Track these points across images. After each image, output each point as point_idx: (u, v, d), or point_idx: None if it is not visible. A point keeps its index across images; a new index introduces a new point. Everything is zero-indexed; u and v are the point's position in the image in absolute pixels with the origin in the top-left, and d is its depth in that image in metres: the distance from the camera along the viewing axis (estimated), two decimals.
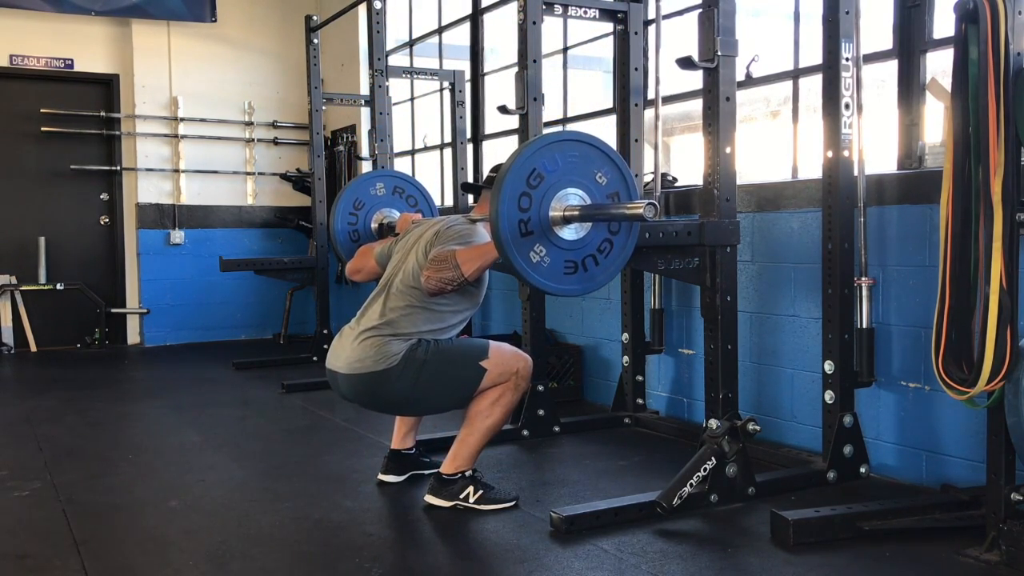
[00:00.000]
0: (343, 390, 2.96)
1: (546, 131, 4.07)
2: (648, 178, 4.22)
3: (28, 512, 3.02)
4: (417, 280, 2.88)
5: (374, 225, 4.00)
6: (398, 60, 6.93)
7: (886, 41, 3.35)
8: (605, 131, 4.66)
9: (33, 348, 6.99)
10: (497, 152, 5.97)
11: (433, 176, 6.62)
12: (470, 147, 6.03)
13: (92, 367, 6.34)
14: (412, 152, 7.04)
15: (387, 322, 2.88)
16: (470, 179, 5.95)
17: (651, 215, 2.48)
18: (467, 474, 2.94)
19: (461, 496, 2.92)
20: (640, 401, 4.23)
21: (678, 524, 2.77)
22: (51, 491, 3.22)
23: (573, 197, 2.60)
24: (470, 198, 4.73)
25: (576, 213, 2.59)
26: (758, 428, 2.97)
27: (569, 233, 2.61)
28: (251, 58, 7.58)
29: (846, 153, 3.07)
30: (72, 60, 7.07)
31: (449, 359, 2.89)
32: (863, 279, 3.16)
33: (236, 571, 2.46)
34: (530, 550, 2.58)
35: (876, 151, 3.35)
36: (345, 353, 2.92)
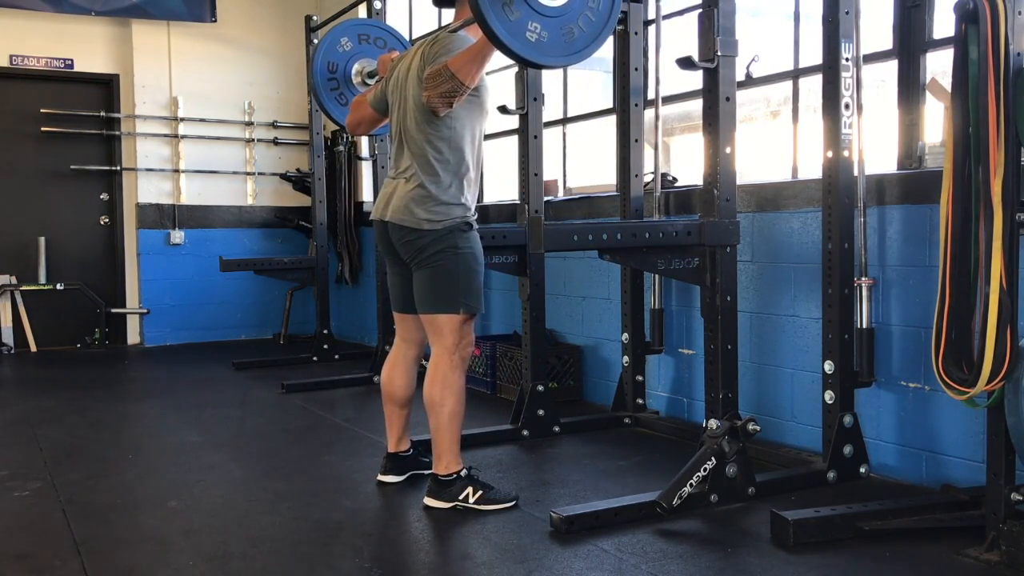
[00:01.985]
0: (389, 237, 2.97)
1: (546, 132, 4.08)
2: (648, 178, 4.22)
3: (28, 512, 3.02)
4: (423, 110, 2.87)
5: (356, 80, 3.93)
6: None
7: (886, 41, 3.35)
8: (605, 131, 4.66)
9: (33, 348, 6.99)
10: (497, 151, 5.97)
11: None
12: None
13: (92, 367, 6.34)
14: None
15: (419, 166, 2.90)
16: None
17: None
18: (464, 474, 2.94)
19: (461, 497, 2.92)
20: (640, 401, 4.23)
21: (678, 524, 2.77)
22: (51, 491, 3.22)
23: None
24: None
25: None
26: (758, 428, 2.97)
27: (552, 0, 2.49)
28: (251, 58, 7.58)
29: (846, 153, 3.07)
30: (72, 60, 7.07)
31: (465, 274, 2.91)
32: (863, 279, 3.16)
33: (236, 571, 2.46)
34: (530, 550, 2.58)
35: (876, 151, 3.35)
36: (394, 202, 2.95)
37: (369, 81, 3.92)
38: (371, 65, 3.90)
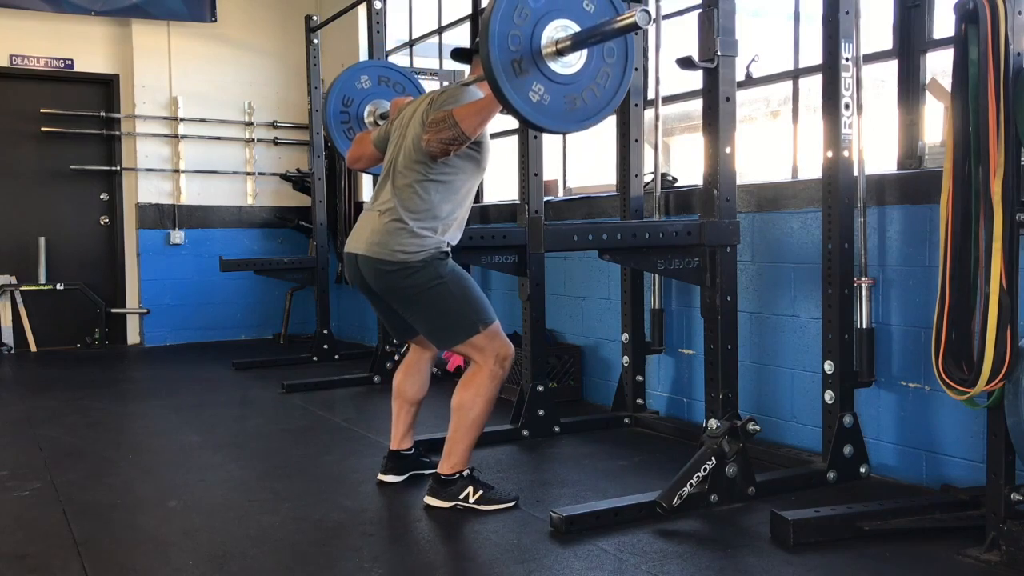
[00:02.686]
0: (361, 272, 2.94)
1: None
2: (648, 178, 4.22)
3: (28, 512, 3.02)
4: (419, 152, 2.87)
5: (368, 119, 3.97)
6: (398, 60, 6.93)
7: (886, 41, 3.35)
8: (605, 131, 4.65)
9: (33, 348, 6.99)
10: (497, 151, 5.96)
11: None
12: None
13: (92, 367, 6.34)
14: None
15: (399, 201, 2.87)
16: None
17: (644, 22, 2.40)
18: (465, 474, 2.94)
19: (461, 496, 2.92)
20: (640, 401, 4.23)
21: (678, 524, 2.77)
22: (51, 491, 3.22)
23: (564, 28, 2.53)
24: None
25: (568, 42, 2.52)
26: (758, 428, 2.97)
27: (564, 67, 2.54)
28: (251, 58, 7.58)
29: (846, 153, 3.07)
30: (72, 60, 7.07)
31: (461, 295, 2.87)
32: (863, 279, 3.16)
33: (236, 571, 2.46)
34: (530, 550, 2.58)
35: (876, 151, 3.35)
36: (366, 235, 2.92)
37: (380, 122, 3.96)
38: (384, 107, 3.94)
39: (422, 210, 2.86)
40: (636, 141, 4.14)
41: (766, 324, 3.71)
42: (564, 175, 5.29)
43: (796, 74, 3.79)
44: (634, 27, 2.45)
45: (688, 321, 4.14)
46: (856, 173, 3.13)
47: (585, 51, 2.59)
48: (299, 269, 6.39)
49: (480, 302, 2.92)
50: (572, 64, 2.57)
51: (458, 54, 3.23)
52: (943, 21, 3.21)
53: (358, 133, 3.81)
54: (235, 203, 7.57)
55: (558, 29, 2.53)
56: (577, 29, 2.56)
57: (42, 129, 6.99)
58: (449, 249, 2.93)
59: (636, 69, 4.12)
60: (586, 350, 4.73)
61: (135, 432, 4.44)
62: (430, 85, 6.48)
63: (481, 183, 3.34)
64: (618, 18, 2.52)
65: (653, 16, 2.41)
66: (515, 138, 4.16)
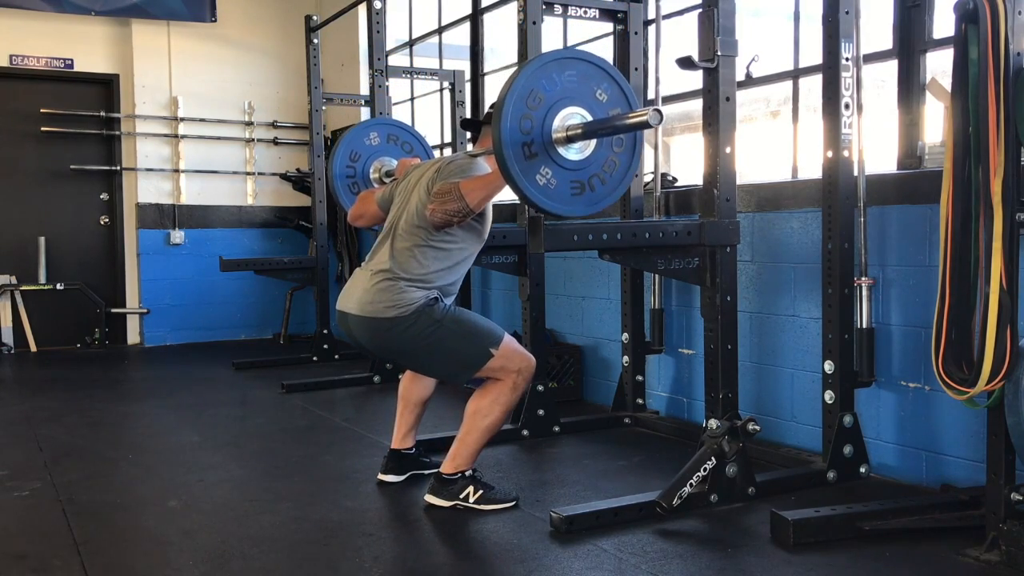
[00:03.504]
0: (353, 332, 2.95)
1: None
2: (648, 178, 4.22)
3: (28, 512, 3.02)
4: (422, 218, 2.87)
5: (374, 175, 4.00)
6: (398, 60, 6.93)
7: (886, 41, 3.35)
8: None
9: (33, 348, 6.99)
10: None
11: None
12: (470, 147, 6.01)
13: (92, 367, 6.33)
14: None
15: (396, 263, 2.88)
16: None
17: (656, 121, 2.43)
18: (467, 474, 2.94)
19: (461, 496, 2.92)
20: (640, 401, 4.23)
21: (678, 524, 2.77)
22: (51, 491, 3.22)
23: (575, 116, 2.57)
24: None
25: (579, 131, 2.55)
26: (758, 428, 2.97)
27: (573, 153, 2.58)
28: (251, 58, 7.58)
29: (846, 153, 3.07)
30: (72, 60, 7.06)
31: (462, 331, 2.87)
32: (863, 279, 3.16)
33: (236, 571, 2.46)
34: (530, 550, 2.58)
35: (876, 151, 3.34)
36: (357, 295, 2.92)
37: (386, 179, 3.98)
38: (390, 164, 3.97)
39: (417, 274, 2.87)
40: None
41: (766, 324, 3.71)
42: None
43: (796, 74, 3.78)
44: (645, 125, 2.48)
45: (688, 321, 4.14)
46: (856, 173, 3.13)
47: (594, 139, 2.63)
48: (299, 269, 6.39)
49: (483, 329, 2.92)
50: (581, 150, 2.61)
51: (467, 124, 3.32)
52: (943, 21, 3.21)
53: (362, 190, 3.85)
54: (235, 203, 7.56)
55: (570, 116, 2.57)
56: (588, 117, 2.59)
57: (42, 129, 6.99)
58: (439, 295, 2.92)
59: (636, 69, 4.16)
60: (586, 350, 4.73)
61: (135, 432, 4.44)
62: (430, 84, 6.50)
63: None
64: (631, 115, 2.55)
65: (663, 116, 2.45)
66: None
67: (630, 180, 2.78)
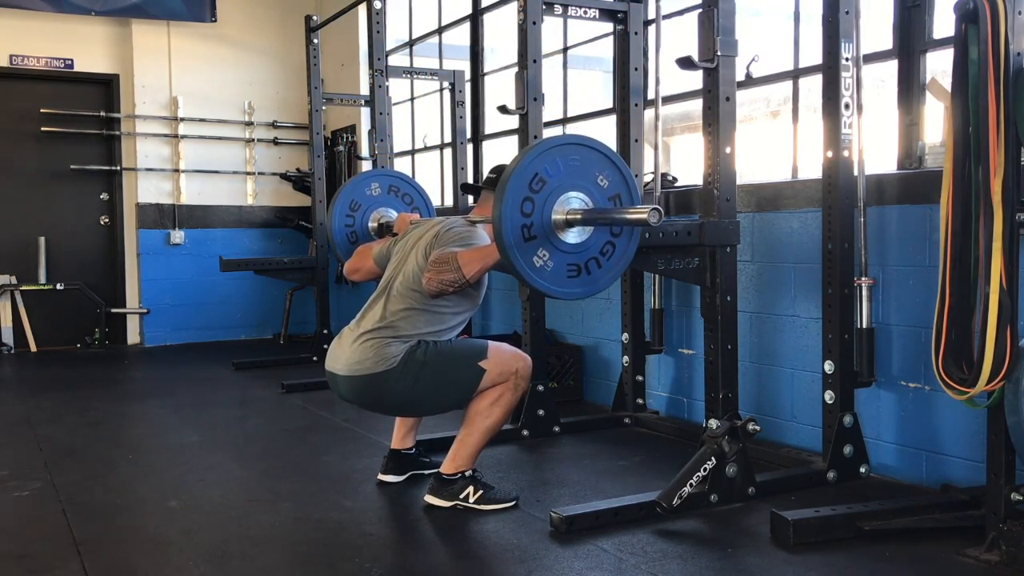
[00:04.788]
0: (343, 391, 2.96)
1: (546, 132, 4.09)
2: (648, 178, 4.22)
3: (28, 512, 3.02)
4: (417, 282, 2.88)
5: (372, 225, 4.00)
6: (398, 60, 6.93)
7: (886, 41, 3.35)
8: (605, 131, 4.66)
9: (33, 348, 6.99)
10: (497, 152, 5.97)
11: (433, 176, 6.62)
12: (470, 147, 6.03)
13: (92, 367, 6.34)
14: (412, 152, 7.05)
15: (387, 324, 2.88)
16: (470, 179, 5.95)
17: (655, 220, 2.46)
18: (467, 474, 2.94)
19: (461, 496, 2.92)
20: (640, 401, 4.23)
21: (678, 524, 2.77)
22: (51, 491, 3.22)
23: (575, 201, 2.60)
24: (470, 199, 4.72)
25: (579, 217, 2.58)
26: (758, 428, 2.97)
27: (572, 237, 2.61)
28: (251, 58, 7.58)
29: (846, 153, 3.07)
30: (72, 60, 7.07)
31: (448, 360, 2.88)
32: (863, 279, 3.16)
33: (236, 571, 2.46)
34: (530, 550, 2.58)
35: (876, 151, 3.34)
36: (344, 355, 2.92)
37: (383, 227, 3.98)
38: (390, 216, 3.97)
39: (409, 334, 2.88)
40: (636, 141, 4.15)
41: (766, 324, 3.71)
42: None
43: (796, 74, 3.78)
44: (644, 223, 2.50)
45: (688, 321, 4.14)
46: (856, 173, 3.13)
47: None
48: (299, 269, 6.39)
49: (466, 348, 2.93)
50: (579, 234, 2.62)
51: (466, 188, 3.35)
52: (943, 21, 3.21)
53: (359, 241, 3.86)
54: (235, 203, 7.57)
55: (570, 201, 2.59)
56: (588, 203, 2.61)
57: (42, 129, 6.99)
58: (420, 339, 2.91)
59: (636, 69, 4.16)
60: (586, 350, 4.73)
61: (135, 432, 4.44)
62: (430, 84, 6.50)
63: None
64: (631, 211, 2.56)
65: (663, 215, 2.47)
66: (515, 138, 4.16)
67: (628, 262, 2.78)
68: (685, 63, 2.97)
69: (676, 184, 4.27)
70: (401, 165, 6.91)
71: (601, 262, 2.69)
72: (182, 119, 7.31)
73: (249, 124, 7.57)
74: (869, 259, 3.20)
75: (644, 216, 2.47)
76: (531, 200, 2.52)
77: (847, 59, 3.04)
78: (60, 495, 3.16)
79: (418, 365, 2.84)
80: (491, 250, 2.70)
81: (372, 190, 4.03)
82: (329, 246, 4.37)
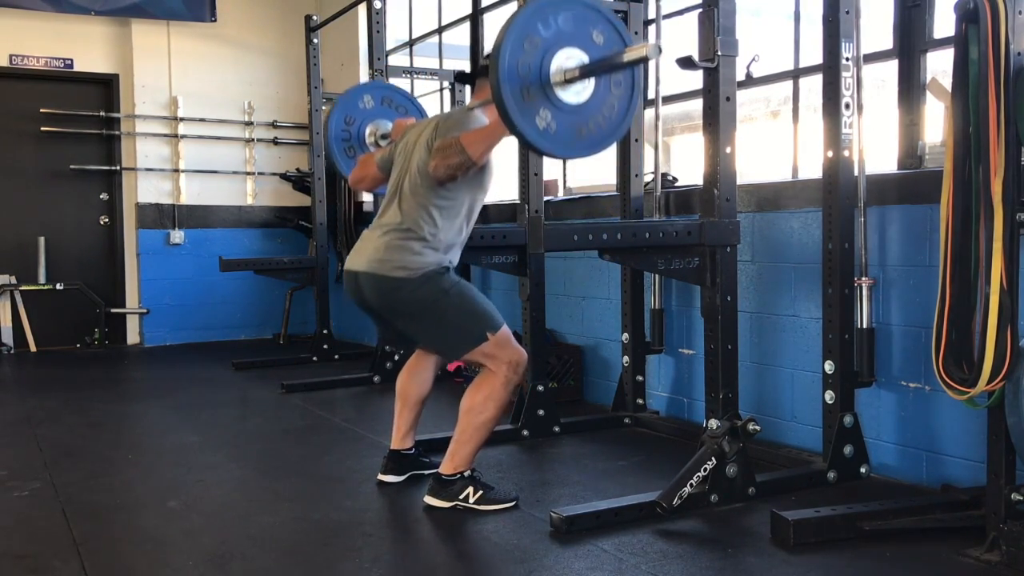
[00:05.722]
0: (361, 290, 2.95)
1: None
2: (648, 178, 4.22)
3: (28, 512, 3.02)
4: (425, 176, 2.88)
5: (369, 140, 4.00)
6: (398, 60, 6.93)
7: (886, 41, 3.35)
8: None
9: (33, 348, 6.99)
10: (497, 152, 5.96)
11: None
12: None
13: (92, 367, 6.34)
14: None
15: (404, 222, 2.89)
16: None
17: (655, 54, 2.43)
18: (466, 474, 2.94)
19: (461, 496, 2.91)
20: (640, 401, 4.23)
21: (678, 524, 2.77)
22: (51, 491, 3.21)
23: (572, 58, 2.55)
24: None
25: (576, 72, 2.54)
26: (758, 428, 2.96)
27: (571, 96, 2.56)
28: (251, 58, 7.58)
29: (846, 153, 3.07)
30: (72, 60, 7.06)
31: (465, 308, 2.88)
32: (863, 279, 3.16)
33: (236, 571, 2.46)
34: (530, 550, 2.58)
35: (876, 151, 3.34)
36: (368, 252, 2.93)
37: (381, 142, 3.99)
38: (386, 127, 3.96)
39: (426, 232, 2.88)
40: (636, 141, 4.14)
41: (766, 324, 3.71)
42: (564, 175, 5.28)
43: (796, 74, 3.78)
44: (643, 60, 2.48)
45: (688, 321, 4.14)
46: (856, 173, 3.12)
47: (593, 81, 2.61)
48: (299, 269, 6.39)
49: (486, 310, 2.92)
50: (580, 93, 2.59)
51: (462, 77, 3.28)
52: (943, 21, 3.21)
53: (359, 154, 3.84)
54: (235, 203, 7.56)
55: (567, 59, 2.56)
56: (585, 59, 2.58)
57: (42, 129, 6.99)
58: (450, 265, 2.94)
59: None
60: (586, 350, 4.73)
61: (135, 432, 4.44)
62: (430, 84, 6.49)
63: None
64: (627, 50, 2.54)
65: (662, 50, 2.44)
66: (515, 138, 4.15)
67: (630, 121, 2.75)
68: (685, 63, 2.97)
69: (676, 184, 4.27)
70: None
71: (603, 120, 2.64)
72: (182, 119, 7.31)
73: (249, 124, 7.56)
74: (869, 259, 3.20)
75: (644, 52, 2.44)
76: (527, 61, 2.47)
77: (847, 59, 3.04)
78: (60, 495, 3.16)
79: (439, 291, 2.85)
80: (493, 127, 2.71)
81: (365, 103, 4.00)
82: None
